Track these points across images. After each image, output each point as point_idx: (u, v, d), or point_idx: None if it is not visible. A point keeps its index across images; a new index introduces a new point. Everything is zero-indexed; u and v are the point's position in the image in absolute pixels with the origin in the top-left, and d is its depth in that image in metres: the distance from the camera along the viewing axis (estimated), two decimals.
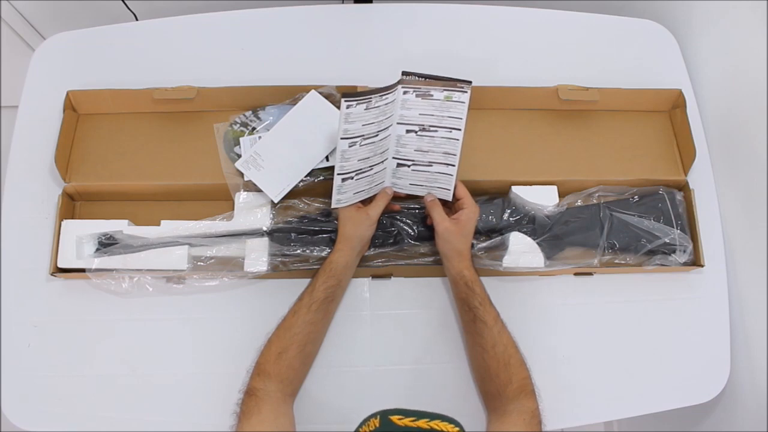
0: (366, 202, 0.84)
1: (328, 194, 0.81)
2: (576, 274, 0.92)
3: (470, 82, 0.75)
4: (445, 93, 0.76)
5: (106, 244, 0.85)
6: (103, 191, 0.90)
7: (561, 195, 0.91)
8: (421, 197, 0.86)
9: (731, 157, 0.97)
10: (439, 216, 0.81)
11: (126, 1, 1.21)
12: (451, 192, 0.84)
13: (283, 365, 0.75)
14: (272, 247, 0.86)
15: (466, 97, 0.76)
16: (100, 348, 0.86)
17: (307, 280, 0.81)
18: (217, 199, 0.90)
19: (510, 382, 0.75)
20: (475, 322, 0.78)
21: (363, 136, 0.75)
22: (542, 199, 0.90)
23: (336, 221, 0.85)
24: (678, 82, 1.03)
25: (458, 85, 0.75)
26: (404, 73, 0.74)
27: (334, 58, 1.03)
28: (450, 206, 0.86)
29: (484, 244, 0.88)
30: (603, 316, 0.91)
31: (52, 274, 0.83)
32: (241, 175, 0.87)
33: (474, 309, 0.78)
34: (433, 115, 0.78)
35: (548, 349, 0.88)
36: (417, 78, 0.74)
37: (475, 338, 0.79)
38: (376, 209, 0.82)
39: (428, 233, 0.87)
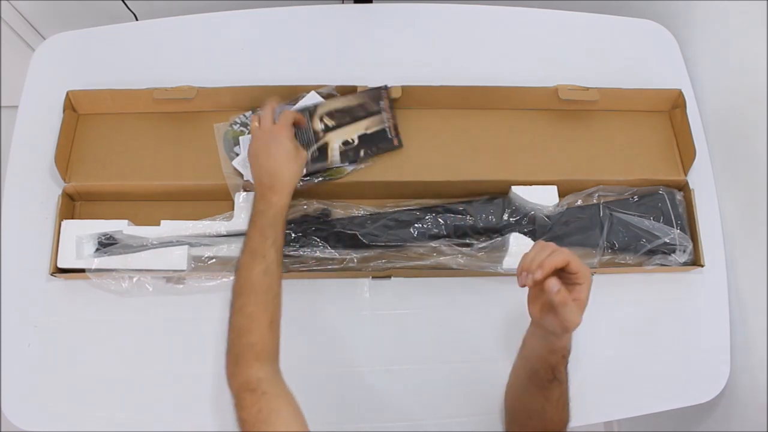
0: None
1: (329, 195, 0.81)
2: None
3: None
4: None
5: (106, 244, 0.85)
6: (103, 191, 0.90)
7: (561, 195, 0.91)
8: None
9: (731, 157, 0.97)
10: (572, 315, 0.64)
11: (126, 1, 1.21)
12: None
13: (276, 335, 0.69)
14: None
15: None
16: (100, 348, 0.86)
17: (307, 280, 0.81)
18: (217, 199, 0.90)
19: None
20: (552, 382, 0.70)
21: None
22: (542, 199, 0.90)
23: (336, 221, 0.85)
24: (678, 82, 1.03)
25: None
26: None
27: (334, 58, 1.03)
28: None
29: (484, 245, 0.88)
30: (603, 316, 0.91)
31: (52, 274, 0.83)
32: (241, 174, 0.87)
33: (558, 374, 0.69)
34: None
35: None
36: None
37: (542, 392, 0.71)
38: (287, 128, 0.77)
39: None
